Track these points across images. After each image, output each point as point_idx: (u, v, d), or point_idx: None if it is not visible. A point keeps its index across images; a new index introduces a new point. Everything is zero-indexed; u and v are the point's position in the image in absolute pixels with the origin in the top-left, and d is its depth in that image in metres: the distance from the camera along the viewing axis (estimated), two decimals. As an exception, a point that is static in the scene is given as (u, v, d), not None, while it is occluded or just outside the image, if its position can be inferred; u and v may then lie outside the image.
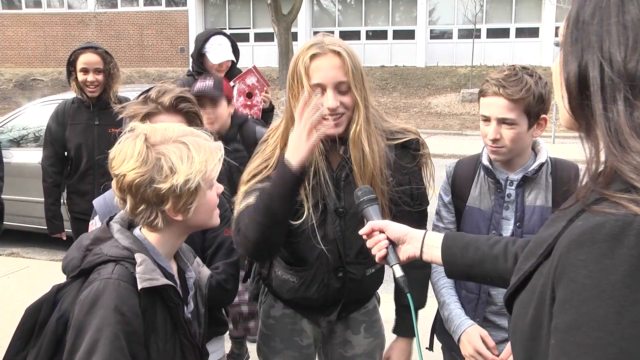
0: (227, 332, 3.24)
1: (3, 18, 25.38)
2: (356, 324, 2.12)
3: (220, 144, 1.52)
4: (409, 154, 1.98)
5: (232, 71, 3.92)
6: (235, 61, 3.90)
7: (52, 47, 24.97)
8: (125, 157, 1.42)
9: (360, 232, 1.60)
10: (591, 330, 0.79)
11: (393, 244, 1.53)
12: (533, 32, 21.65)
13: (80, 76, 3.68)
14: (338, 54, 1.80)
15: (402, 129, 2.01)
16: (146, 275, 1.40)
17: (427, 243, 1.49)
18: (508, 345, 1.91)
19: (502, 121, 1.95)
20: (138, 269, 1.40)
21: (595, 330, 0.79)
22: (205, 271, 1.71)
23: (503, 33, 21.84)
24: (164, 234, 1.52)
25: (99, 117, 3.79)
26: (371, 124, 1.88)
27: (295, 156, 1.68)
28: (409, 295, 1.50)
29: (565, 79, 0.93)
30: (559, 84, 0.97)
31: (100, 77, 3.70)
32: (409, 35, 22.51)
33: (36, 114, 6.48)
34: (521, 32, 21.75)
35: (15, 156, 6.29)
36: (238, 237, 1.84)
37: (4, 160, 6.25)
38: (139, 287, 1.38)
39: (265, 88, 3.80)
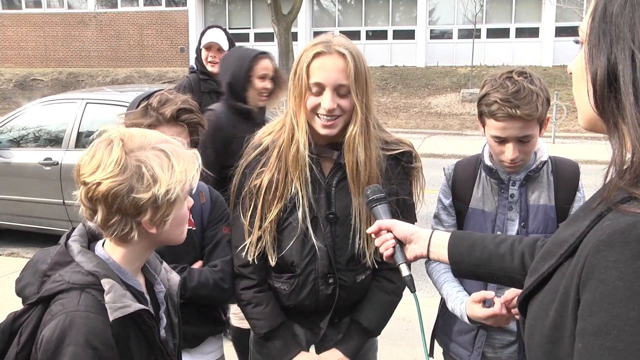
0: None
1: (3, 18, 25.37)
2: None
3: (196, 151, 1.43)
4: (400, 166, 1.96)
5: None
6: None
7: (52, 47, 24.96)
8: (99, 164, 1.29)
9: (368, 230, 1.61)
10: (623, 335, 0.76)
11: (400, 243, 1.54)
12: (533, 32, 21.63)
13: (259, 83, 3.24)
14: (343, 56, 1.77)
15: (397, 140, 1.99)
16: (117, 304, 1.28)
17: (434, 242, 1.49)
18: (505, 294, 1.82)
19: (520, 140, 1.89)
20: (107, 298, 1.28)
21: (627, 334, 0.76)
22: (175, 277, 1.60)
23: (503, 33, 21.82)
24: (133, 249, 1.39)
25: (259, 127, 3.44)
26: (370, 129, 1.86)
27: None
28: (415, 294, 1.51)
29: (592, 73, 0.89)
30: (583, 81, 0.94)
31: (271, 84, 3.33)
32: (409, 35, 22.49)
33: (36, 114, 6.49)
34: (521, 32, 21.74)
35: (15, 156, 6.30)
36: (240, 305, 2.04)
37: (4, 160, 6.29)
38: (111, 318, 1.26)
39: None
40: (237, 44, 4.04)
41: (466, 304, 1.89)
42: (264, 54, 3.32)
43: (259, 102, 3.26)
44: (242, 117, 3.19)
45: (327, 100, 1.78)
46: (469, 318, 1.89)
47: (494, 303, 1.78)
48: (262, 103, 3.29)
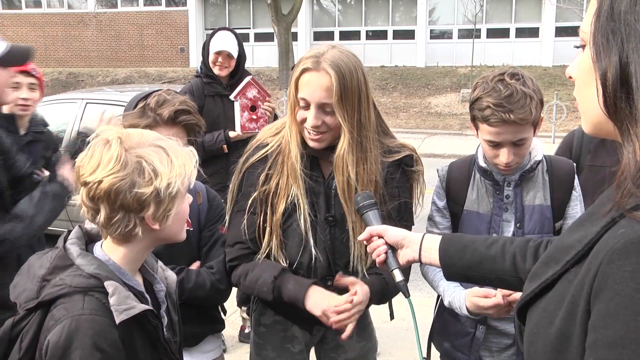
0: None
1: (3, 18, 25.37)
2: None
3: (193, 149, 1.45)
4: (400, 169, 1.95)
5: (239, 70, 3.94)
6: (238, 57, 3.90)
7: (52, 47, 24.95)
8: (99, 162, 1.30)
9: (360, 237, 1.61)
10: None
11: (392, 249, 1.54)
12: (533, 32, 21.62)
13: None
14: (329, 74, 1.74)
15: (400, 145, 1.98)
16: (122, 306, 1.28)
17: (425, 246, 1.49)
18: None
19: (515, 143, 1.86)
20: (112, 300, 1.28)
21: None
22: (172, 276, 1.61)
23: (503, 33, 21.82)
24: (133, 248, 1.40)
25: None
26: (365, 145, 1.83)
27: (313, 308, 1.82)
28: (409, 299, 1.51)
29: (602, 74, 0.85)
30: (589, 83, 0.89)
31: None
32: (409, 35, 22.48)
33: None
34: (521, 32, 21.73)
35: (15, 156, 6.29)
36: (239, 285, 2.00)
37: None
38: (117, 320, 1.26)
39: (267, 98, 3.75)
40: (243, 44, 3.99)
41: (466, 295, 1.87)
42: None
43: None
44: None
45: (311, 117, 1.79)
46: (468, 311, 1.87)
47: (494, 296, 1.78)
48: None
